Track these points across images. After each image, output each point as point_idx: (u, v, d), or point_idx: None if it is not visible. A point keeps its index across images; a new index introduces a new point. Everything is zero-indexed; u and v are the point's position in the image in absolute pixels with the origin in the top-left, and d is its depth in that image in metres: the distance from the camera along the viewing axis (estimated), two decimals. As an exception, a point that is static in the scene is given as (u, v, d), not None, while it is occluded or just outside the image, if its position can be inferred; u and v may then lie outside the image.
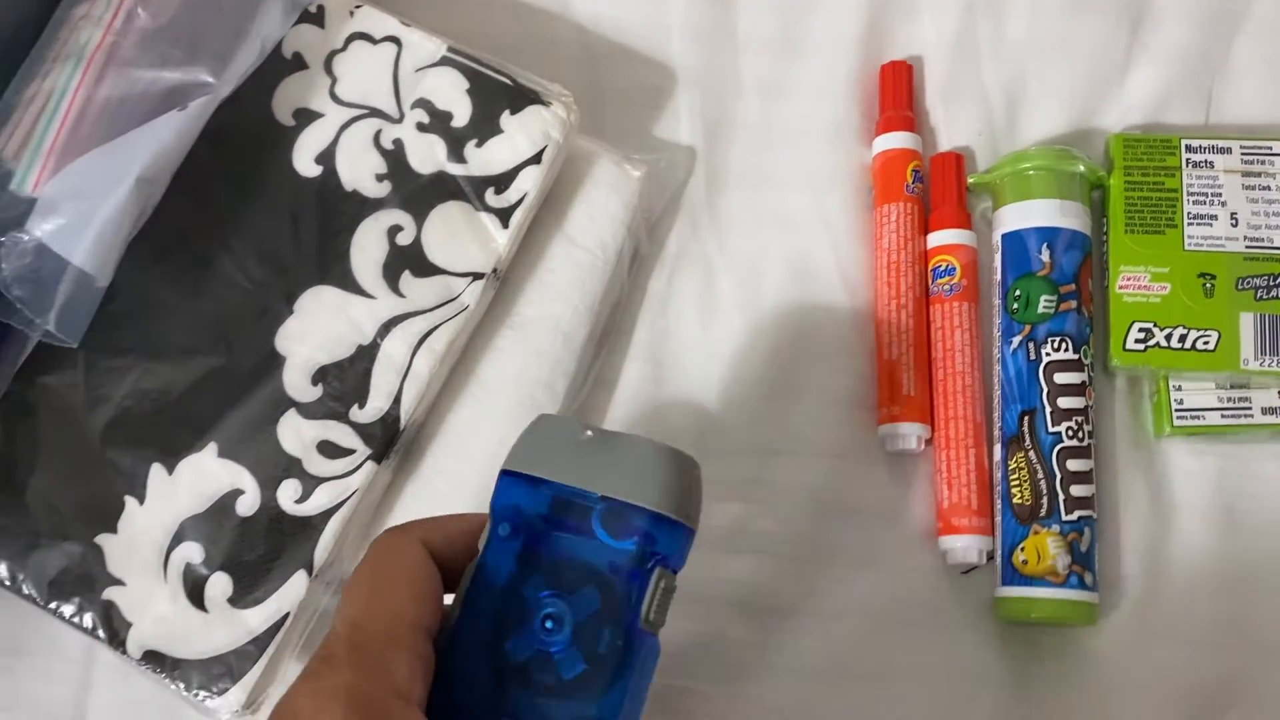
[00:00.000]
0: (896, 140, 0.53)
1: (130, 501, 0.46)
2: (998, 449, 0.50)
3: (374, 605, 0.32)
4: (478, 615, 0.33)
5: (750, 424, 0.52)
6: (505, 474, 0.34)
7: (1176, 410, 0.50)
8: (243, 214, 0.49)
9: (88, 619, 0.45)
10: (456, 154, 0.50)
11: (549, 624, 0.32)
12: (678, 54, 0.56)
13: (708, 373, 0.52)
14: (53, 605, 0.45)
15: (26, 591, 0.46)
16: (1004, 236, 0.51)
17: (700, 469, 0.34)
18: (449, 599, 0.34)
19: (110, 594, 0.45)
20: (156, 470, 0.46)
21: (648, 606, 0.32)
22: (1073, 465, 0.48)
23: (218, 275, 0.49)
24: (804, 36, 0.56)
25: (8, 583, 0.46)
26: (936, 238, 0.52)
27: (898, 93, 0.54)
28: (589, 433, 0.34)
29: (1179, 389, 0.50)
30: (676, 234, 0.54)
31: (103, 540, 0.46)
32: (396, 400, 0.47)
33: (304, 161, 0.50)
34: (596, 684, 0.31)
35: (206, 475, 0.47)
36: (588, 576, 0.32)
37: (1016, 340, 0.50)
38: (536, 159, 0.49)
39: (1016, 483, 0.48)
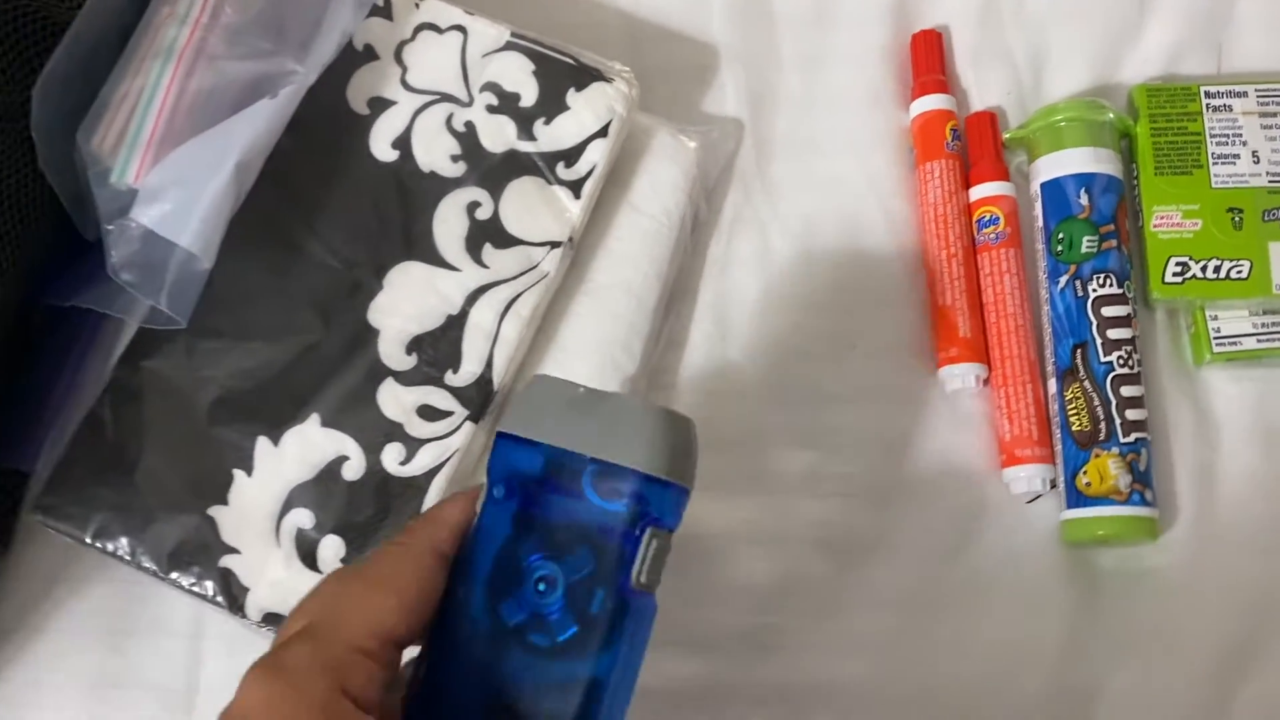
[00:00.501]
0: (933, 102, 0.56)
1: (239, 474, 0.48)
2: (1052, 382, 0.53)
3: (350, 603, 0.32)
4: (473, 578, 0.33)
5: (814, 374, 0.54)
6: (501, 435, 0.34)
7: (1215, 338, 0.53)
8: (326, 199, 0.52)
9: (207, 586, 0.47)
10: (526, 132, 0.52)
11: (541, 586, 0.32)
12: (718, 32, 0.59)
13: (770, 328, 0.55)
14: (173, 576, 0.47)
15: (146, 565, 0.48)
16: (1043, 185, 0.54)
17: (695, 427, 0.34)
18: None
19: (226, 562, 0.48)
20: (262, 443, 0.49)
21: (639, 568, 0.32)
22: (1126, 391, 0.51)
23: (307, 257, 0.51)
24: (836, 10, 0.60)
25: (128, 557, 0.48)
26: (979, 190, 0.55)
27: (930, 58, 0.58)
28: (584, 394, 0.34)
29: (1215, 318, 0.53)
30: (731, 200, 0.57)
31: (215, 512, 0.48)
32: (489, 364, 0.49)
33: (381, 147, 0.52)
34: (590, 645, 0.32)
35: (311, 444, 0.49)
36: (580, 538, 0.32)
37: (1063, 280, 0.53)
38: (603, 132, 0.52)
39: (1074, 411, 0.51)
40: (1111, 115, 0.55)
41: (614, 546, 0.32)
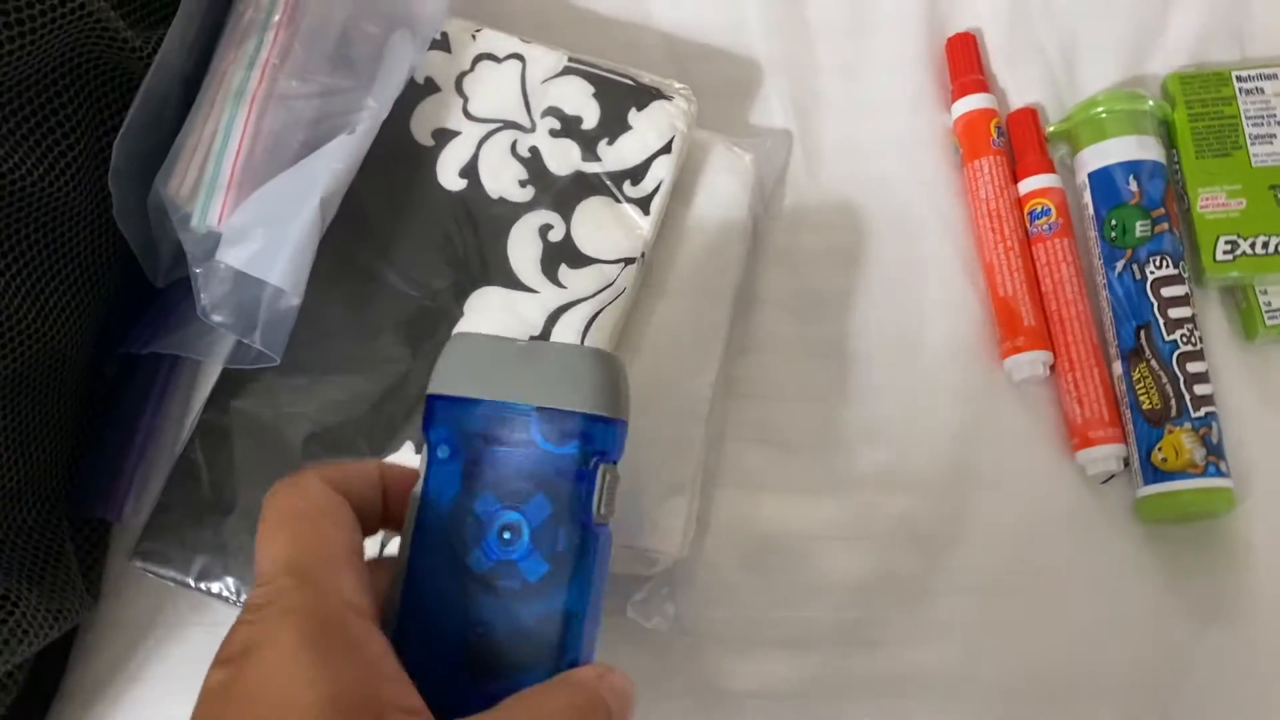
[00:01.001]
0: (975, 102, 0.58)
1: None
2: (1117, 364, 0.54)
3: (300, 538, 0.31)
4: (431, 539, 0.33)
5: (881, 374, 0.56)
6: (435, 398, 0.34)
7: (1267, 311, 0.55)
8: (400, 230, 0.52)
9: None
10: (591, 153, 0.53)
11: (506, 535, 0.33)
12: (759, 47, 0.61)
13: (834, 330, 0.56)
14: None
15: None
16: (1091, 175, 0.56)
17: (624, 364, 0.35)
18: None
19: None
20: None
21: (598, 502, 0.33)
22: (1192, 367, 0.52)
23: (385, 288, 0.51)
24: (869, 18, 0.61)
25: (233, 598, 0.48)
26: (1028, 184, 0.57)
27: (968, 60, 0.59)
28: (510, 345, 0.35)
29: (1265, 292, 0.55)
30: (788, 207, 0.58)
31: None
32: None
33: (449, 176, 0.53)
34: (561, 580, 0.32)
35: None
36: (536, 484, 0.33)
37: (1120, 264, 0.54)
38: (666, 149, 0.53)
39: (1143, 390, 0.53)
40: (1151, 103, 0.57)
41: (571, 487, 0.33)
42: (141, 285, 0.54)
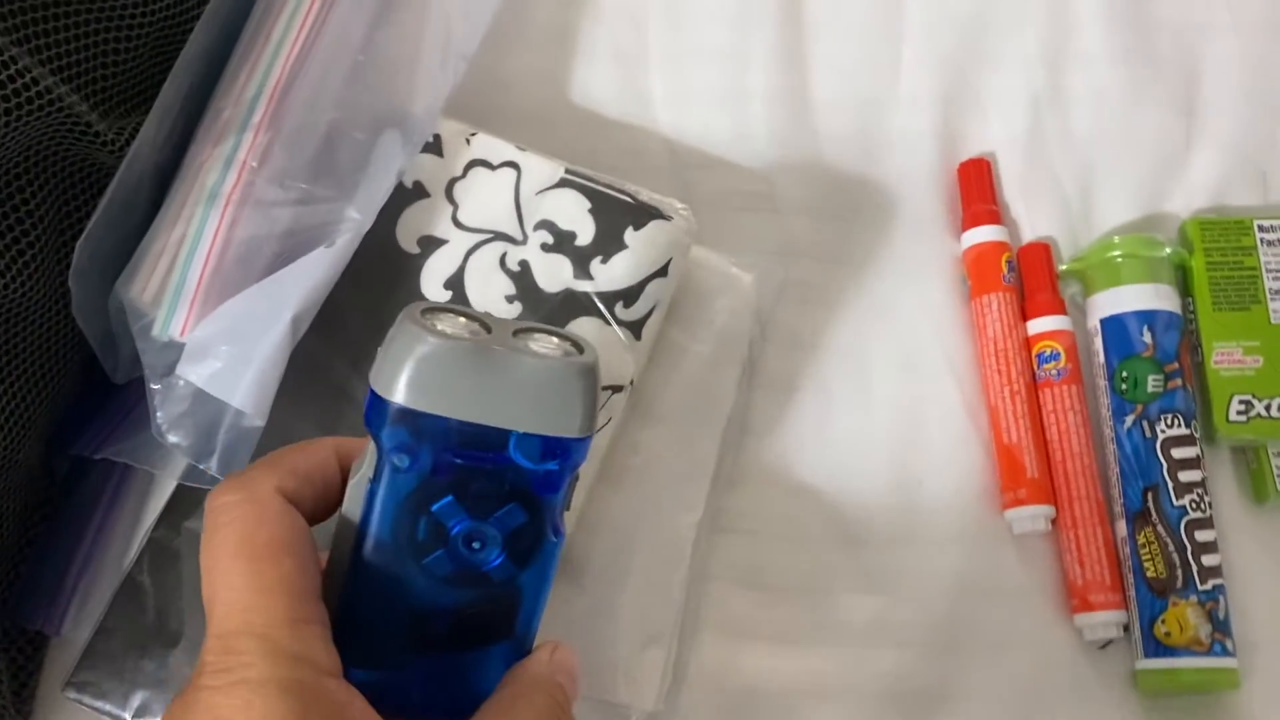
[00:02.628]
0: (987, 234, 0.55)
1: None
2: (1121, 524, 0.51)
3: (262, 584, 0.29)
4: (384, 537, 0.31)
5: (878, 516, 0.53)
6: (389, 404, 0.30)
7: (1279, 476, 0.52)
8: (376, 342, 0.48)
9: None
10: (583, 271, 0.50)
11: (475, 544, 0.32)
12: (764, 159, 0.58)
13: (831, 466, 0.53)
14: None
15: None
16: (1103, 321, 0.53)
17: (599, 369, 0.33)
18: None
19: None
20: None
21: (563, 506, 0.33)
22: (1200, 536, 0.50)
23: (356, 404, 0.48)
24: (881, 135, 0.59)
25: None
26: (1037, 324, 0.54)
27: (981, 187, 0.57)
28: (479, 353, 0.31)
29: (1278, 455, 0.53)
30: (786, 330, 0.55)
31: None
32: None
33: (432, 287, 0.50)
34: (526, 580, 0.32)
35: None
36: (509, 496, 0.32)
37: (1130, 419, 0.52)
38: (662, 272, 0.50)
39: (1148, 557, 0.50)
40: (1168, 250, 0.54)
41: (546, 498, 0.32)
42: (99, 380, 0.51)
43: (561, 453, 0.32)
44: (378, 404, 0.31)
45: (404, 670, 0.32)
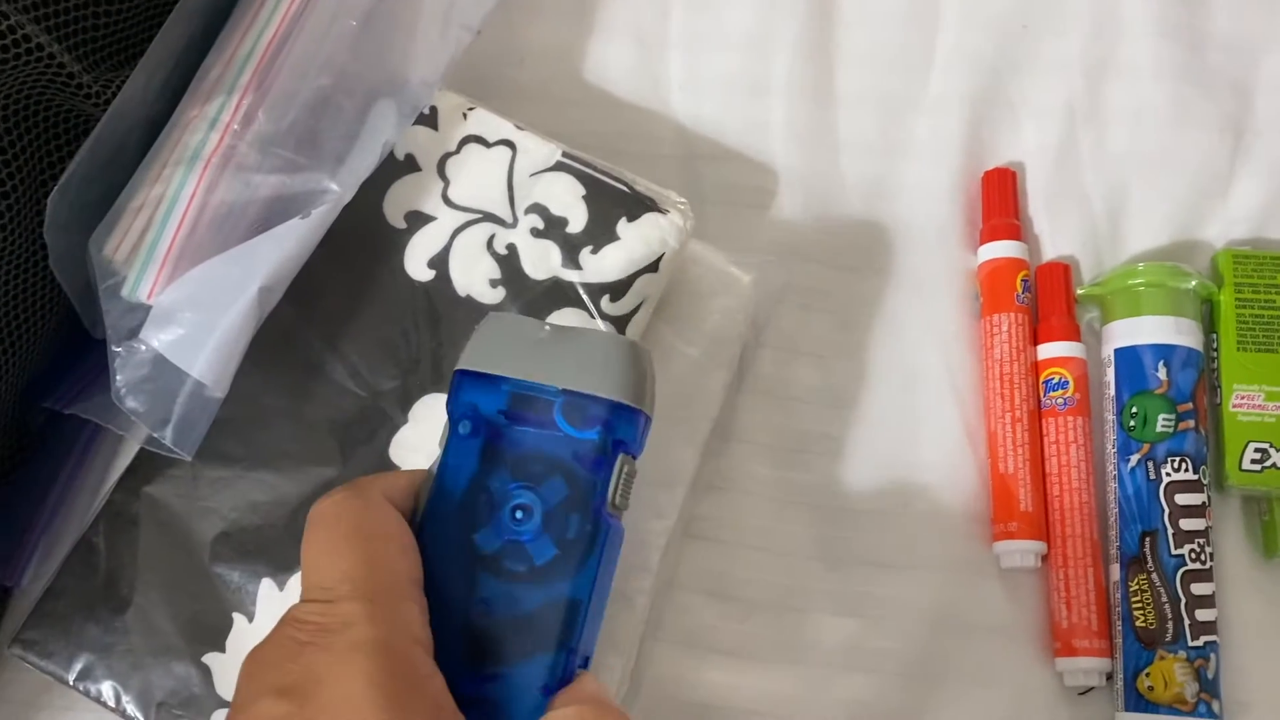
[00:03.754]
0: (1004, 249, 0.53)
1: (239, 618, 0.44)
2: (1115, 568, 0.49)
3: (372, 561, 0.31)
4: (443, 514, 0.33)
5: (861, 536, 0.50)
6: (461, 374, 0.35)
7: (1291, 530, 0.49)
8: (352, 318, 0.48)
9: None
10: (572, 260, 0.48)
11: (519, 514, 0.33)
12: (778, 154, 0.55)
13: (817, 478, 0.51)
14: None
15: (131, 714, 0.44)
16: (1117, 351, 0.50)
17: (651, 357, 0.35)
18: None
19: (219, 717, 0.43)
20: (266, 585, 0.45)
21: (613, 491, 0.33)
22: (1197, 589, 0.47)
23: (328, 382, 0.47)
24: (905, 139, 0.56)
25: (111, 704, 0.44)
26: (1048, 349, 0.51)
27: (1003, 200, 0.54)
28: (540, 329, 0.35)
29: (1292, 509, 0.50)
30: (783, 334, 0.53)
31: (210, 659, 0.44)
32: None
33: (416, 265, 0.48)
34: (568, 567, 0.32)
35: None
36: (553, 467, 0.33)
37: (1135, 458, 0.49)
38: (653, 267, 0.48)
39: (1139, 605, 0.47)
40: (1195, 282, 0.51)
41: (588, 473, 0.33)
42: (78, 333, 0.50)
43: (603, 420, 0.33)
44: (454, 378, 0.35)
45: (467, 691, 0.31)
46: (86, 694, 0.44)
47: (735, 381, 0.52)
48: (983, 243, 0.53)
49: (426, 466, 0.36)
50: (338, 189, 0.45)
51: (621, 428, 0.33)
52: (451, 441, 0.34)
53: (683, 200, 0.50)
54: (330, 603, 0.30)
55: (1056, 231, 0.55)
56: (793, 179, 0.55)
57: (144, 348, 0.43)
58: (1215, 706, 0.46)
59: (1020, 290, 0.52)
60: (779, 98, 0.56)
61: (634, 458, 0.34)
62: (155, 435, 0.42)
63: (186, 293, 0.43)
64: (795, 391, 0.52)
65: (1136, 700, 0.46)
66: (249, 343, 0.44)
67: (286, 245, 0.44)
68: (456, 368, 0.35)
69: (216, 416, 0.44)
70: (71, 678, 0.44)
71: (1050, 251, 0.54)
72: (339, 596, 0.30)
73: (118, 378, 0.43)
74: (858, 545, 0.50)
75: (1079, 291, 0.53)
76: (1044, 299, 0.53)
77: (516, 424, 0.34)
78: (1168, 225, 0.54)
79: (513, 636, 0.32)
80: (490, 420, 0.34)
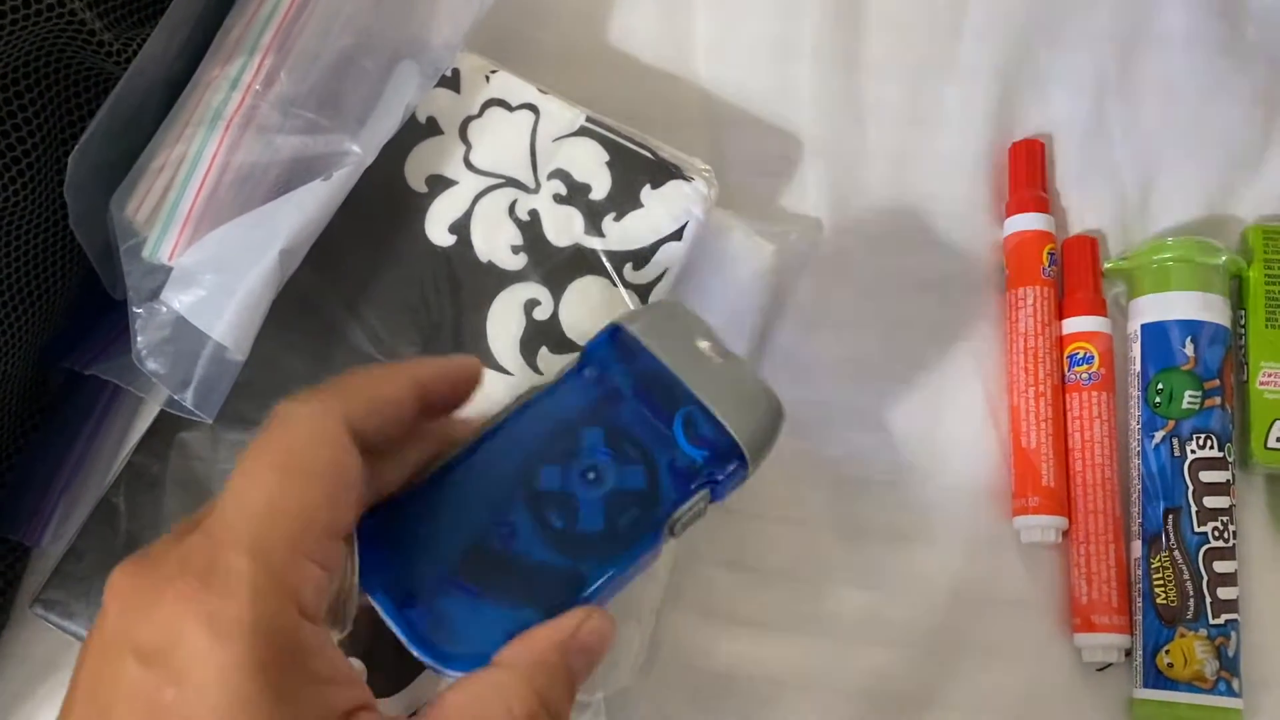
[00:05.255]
0: (1031, 221, 0.52)
1: None
2: (1137, 545, 0.49)
3: (281, 501, 0.28)
4: (526, 429, 0.33)
5: (881, 508, 0.50)
6: (616, 328, 0.35)
7: (1315, 509, 0.49)
8: (373, 282, 0.48)
9: None
10: (594, 227, 0.48)
11: (590, 475, 0.32)
12: (805, 122, 0.55)
13: (838, 449, 0.51)
14: None
15: None
16: (1144, 327, 0.50)
17: (783, 422, 0.35)
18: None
19: None
20: None
21: (679, 515, 0.32)
22: (1219, 567, 0.47)
23: (348, 345, 0.47)
24: (933, 108, 0.55)
25: None
26: (1073, 324, 0.51)
27: (1031, 172, 0.53)
28: (708, 337, 0.35)
29: (1318, 487, 0.49)
30: (805, 304, 0.52)
31: None
32: None
33: (437, 230, 0.48)
34: (601, 549, 0.32)
35: None
36: (643, 456, 0.33)
37: (1159, 435, 0.49)
38: (677, 235, 0.48)
39: (1160, 583, 0.47)
40: (1224, 258, 0.50)
41: (669, 483, 0.33)
42: (98, 293, 0.49)
43: (713, 451, 0.33)
44: (609, 327, 0.35)
45: (441, 592, 0.31)
46: (108, 654, 0.44)
47: (757, 352, 0.51)
48: (1009, 215, 0.53)
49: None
50: (359, 151, 0.45)
51: (723, 465, 0.33)
52: (571, 375, 0.35)
53: (707, 167, 0.49)
54: (223, 545, 0.26)
55: (1084, 204, 0.54)
56: (818, 147, 0.55)
57: (165, 309, 0.43)
58: (1235, 684, 0.46)
59: (1046, 263, 0.52)
60: (806, 64, 0.55)
61: (715, 500, 0.34)
62: (176, 397, 0.42)
63: (208, 254, 0.43)
64: (817, 362, 0.52)
65: (1155, 677, 0.46)
66: (270, 306, 0.44)
67: (308, 208, 0.44)
68: (614, 321, 0.35)
69: (237, 380, 0.44)
70: (92, 637, 0.44)
71: (1077, 225, 0.54)
72: (231, 542, 0.26)
73: (139, 339, 0.43)
74: (877, 518, 0.50)
75: (1106, 266, 0.52)
76: (1070, 273, 0.52)
77: (638, 400, 0.34)
78: (1197, 199, 0.54)
79: (512, 575, 0.31)
80: (617, 382, 0.34)
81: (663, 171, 0.48)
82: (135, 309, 0.43)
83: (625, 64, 0.56)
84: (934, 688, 0.48)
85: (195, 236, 0.44)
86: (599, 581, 0.32)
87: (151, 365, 0.43)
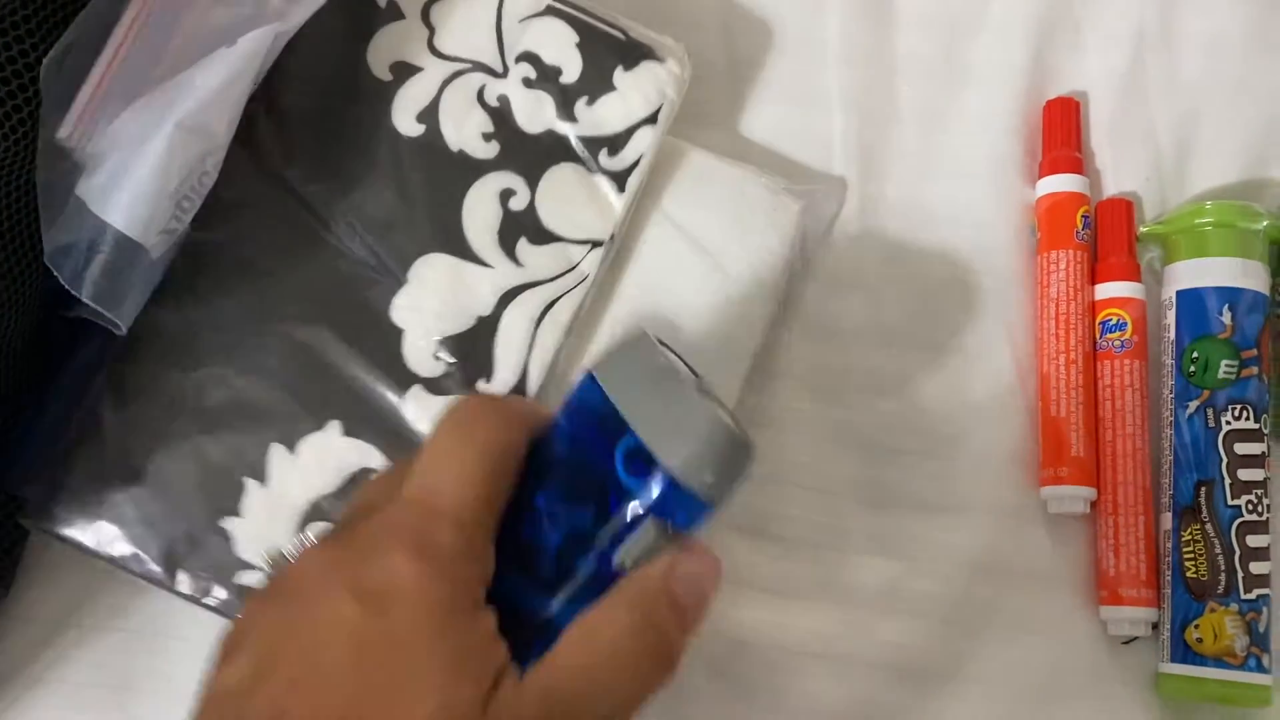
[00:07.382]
0: (1065, 183, 0.65)
1: (251, 483, 0.57)
2: (1167, 517, 0.59)
3: (488, 484, 0.42)
4: (551, 485, 0.44)
5: (907, 477, 0.63)
6: (588, 375, 0.45)
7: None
8: (344, 176, 0.59)
9: (223, 604, 0.57)
10: (566, 112, 0.59)
11: (547, 521, 0.44)
12: (833, 76, 0.69)
13: (864, 416, 0.65)
14: (180, 585, 0.58)
15: (153, 569, 0.57)
16: (1180, 294, 0.62)
17: (751, 450, 0.44)
18: None
19: (241, 578, 0.57)
20: (277, 450, 0.58)
21: (625, 550, 0.43)
22: (1252, 541, 0.58)
23: (323, 243, 0.59)
24: (966, 63, 0.68)
25: (135, 569, 0.56)
26: (1106, 289, 0.63)
27: (1066, 131, 0.66)
28: (666, 366, 0.45)
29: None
30: (831, 265, 0.67)
31: (228, 524, 0.57)
32: (523, 374, 0.58)
33: (405, 120, 0.59)
34: (565, 591, 0.44)
35: (334, 453, 0.58)
36: (594, 496, 0.44)
37: (1193, 405, 0.60)
38: (651, 119, 0.60)
39: (1191, 556, 0.58)
40: (1265, 223, 0.61)
41: (616, 518, 0.43)
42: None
43: (652, 484, 0.43)
44: (584, 376, 0.45)
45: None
46: (111, 561, 0.56)
47: (781, 314, 0.62)
48: (1042, 176, 0.65)
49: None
50: (271, 17, 0.54)
51: (668, 500, 0.43)
52: (551, 425, 0.45)
53: (679, 46, 0.60)
54: (433, 515, 0.40)
55: (1120, 166, 0.67)
56: (847, 101, 0.68)
57: (73, 199, 0.52)
58: (1265, 660, 0.56)
59: (1080, 227, 0.64)
60: (834, 15, 0.69)
61: (677, 529, 0.44)
62: (73, 292, 0.51)
63: (110, 134, 0.53)
64: (842, 326, 0.64)
65: (1184, 651, 0.57)
66: (180, 189, 0.53)
67: (208, 78, 0.53)
68: (587, 368, 0.45)
69: (218, 283, 0.57)
70: (94, 545, 0.57)
71: (1112, 187, 0.67)
72: (442, 511, 0.40)
73: (46, 235, 0.51)
74: (902, 486, 0.62)
75: (1141, 230, 0.64)
76: (1104, 236, 0.65)
77: (591, 443, 0.45)
78: (1238, 161, 0.67)
79: (535, 555, 0.43)
80: (577, 428, 0.46)
81: (635, 52, 0.59)
82: (42, 206, 0.50)
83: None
84: (956, 660, 0.60)
85: (102, 115, 0.53)
86: (569, 622, 0.41)
87: (58, 260, 0.51)
